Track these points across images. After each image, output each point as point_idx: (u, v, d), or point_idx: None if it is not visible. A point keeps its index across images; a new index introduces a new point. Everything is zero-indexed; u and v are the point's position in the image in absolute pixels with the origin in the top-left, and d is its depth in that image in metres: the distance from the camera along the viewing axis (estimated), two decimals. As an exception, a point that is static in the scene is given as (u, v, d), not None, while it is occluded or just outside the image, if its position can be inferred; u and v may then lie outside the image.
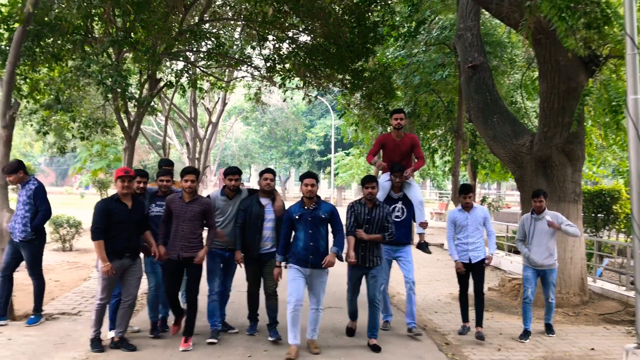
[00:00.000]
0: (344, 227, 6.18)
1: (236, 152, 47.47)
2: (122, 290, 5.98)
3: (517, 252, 7.10)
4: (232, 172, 6.54)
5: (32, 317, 6.79)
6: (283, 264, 6.04)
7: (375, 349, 6.14)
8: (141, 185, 6.28)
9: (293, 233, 6.01)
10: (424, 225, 7.02)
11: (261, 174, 6.59)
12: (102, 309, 5.82)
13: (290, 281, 5.83)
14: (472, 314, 6.99)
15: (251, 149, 48.85)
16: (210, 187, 37.77)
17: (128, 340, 5.98)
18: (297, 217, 5.83)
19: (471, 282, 6.94)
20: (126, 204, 5.78)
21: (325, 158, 44.29)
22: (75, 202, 32.90)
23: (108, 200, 5.88)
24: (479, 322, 6.80)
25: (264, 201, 6.37)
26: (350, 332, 6.66)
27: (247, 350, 5.99)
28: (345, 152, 39.69)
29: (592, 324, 7.64)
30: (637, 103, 5.16)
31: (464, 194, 6.91)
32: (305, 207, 5.88)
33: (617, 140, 10.14)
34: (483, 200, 18.74)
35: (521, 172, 8.84)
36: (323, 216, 5.86)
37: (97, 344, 5.80)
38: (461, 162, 16.68)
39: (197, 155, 22.44)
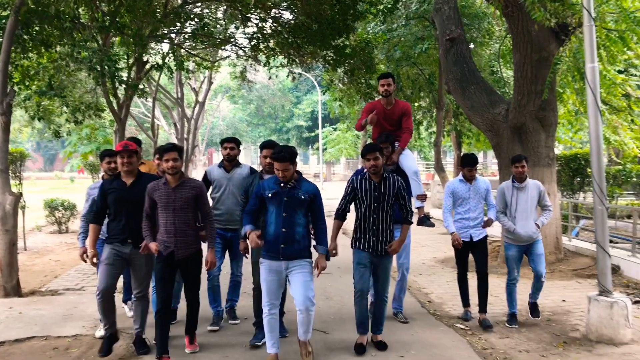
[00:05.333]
0: (338, 205, 5.29)
1: (224, 131, 47.64)
2: (131, 282, 5.30)
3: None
4: (227, 140, 5.92)
5: None
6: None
7: (381, 346, 5.29)
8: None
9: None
10: (422, 197, 6.18)
11: (261, 148, 5.55)
12: (102, 301, 4.96)
13: (262, 280, 4.81)
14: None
15: (239, 127, 49.06)
16: (200, 166, 38.07)
17: (146, 340, 5.26)
18: (269, 195, 4.73)
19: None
20: (125, 182, 5.03)
21: (313, 134, 44.61)
22: (65, 186, 33.18)
23: (107, 179, 5.24)
24: (483, 308, 6.18)
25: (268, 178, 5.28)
26: (361, 348, 5.21)
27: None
28: (332, 127, 40.06)
29: (566, 279, 8.19)
30: (595, 71, 5.58)
31: (469, 167, 6.07)
32: (282, 185, 4.73)
33: (589, 105, 10.54)
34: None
35: (498, 140, 9.27)
36: (302, 197, 4.73)
37: (106, 345, 5.06)
38: (445, 132, 17.13)
39: (185, 135, 22.71)
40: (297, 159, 4.91)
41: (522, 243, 6.17)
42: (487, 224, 6.14)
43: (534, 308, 6.27)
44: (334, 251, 5.07)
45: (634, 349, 5.36)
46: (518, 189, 6.15)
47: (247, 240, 4.95)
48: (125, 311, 6.31)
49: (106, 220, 5.18)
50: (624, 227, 12.26)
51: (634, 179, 13.73)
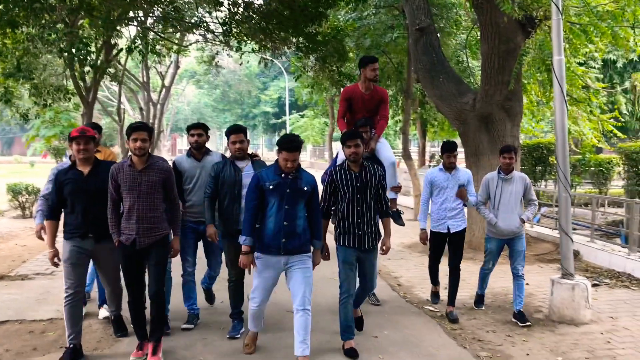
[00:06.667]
0: (320, 203, 4.86)
1: (189, 116, 47.15)
2: (100, 280, 5.10)
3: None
4: (194, 127, 5.49)
5: None
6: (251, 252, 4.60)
7: (357, 324, 5.29)
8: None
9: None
10: (396, 189, 5.93)
11: (228, 134, 5.16)
12: (69, 305, 4.61)
13: (256, 274, 4.58)
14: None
15: (204, 113, 48.61)
16: (164, 151, 37.64)
17: (124, 320, 5.18)
18: (270, 187, 4.43)
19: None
20: (82, 171, 4.59)
21: (280, 120, 44.56)
22: (26, 170, 32.36)
23: (63, 168, 4.73)
24: (451, 301, 6.03)
25: (241, 163, 5.13)
26: (353, 352, 4.77)
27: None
28: (299, 114, 40.03)
29: (528, 263, 8.48)
30: (561, 63, 5.82)
31: (447, 153, 5.91)
32: (283, 175, 4.46)
33: (551, 97, 10.92)
34: (432, 157, 19.60)
35: (465, 129, 9.52)
36: (305, 188, 4.49)
37: (69, 355, 4.56)
38: (410, 121, 17.39)
39: (151, 120, 22.47)
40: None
41: (503, 237, 5.99)
42: (461, 193, 5.91)
43: (520, 316, 5.85)
44: (326, 254, 4.82)
45: (593, 328, 5.67)
46: (504, 181, 5.94)
47: (243, 247, 4.53)
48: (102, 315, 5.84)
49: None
50: (582, 214, 12.79)
51: (592, 168, 14.28)
